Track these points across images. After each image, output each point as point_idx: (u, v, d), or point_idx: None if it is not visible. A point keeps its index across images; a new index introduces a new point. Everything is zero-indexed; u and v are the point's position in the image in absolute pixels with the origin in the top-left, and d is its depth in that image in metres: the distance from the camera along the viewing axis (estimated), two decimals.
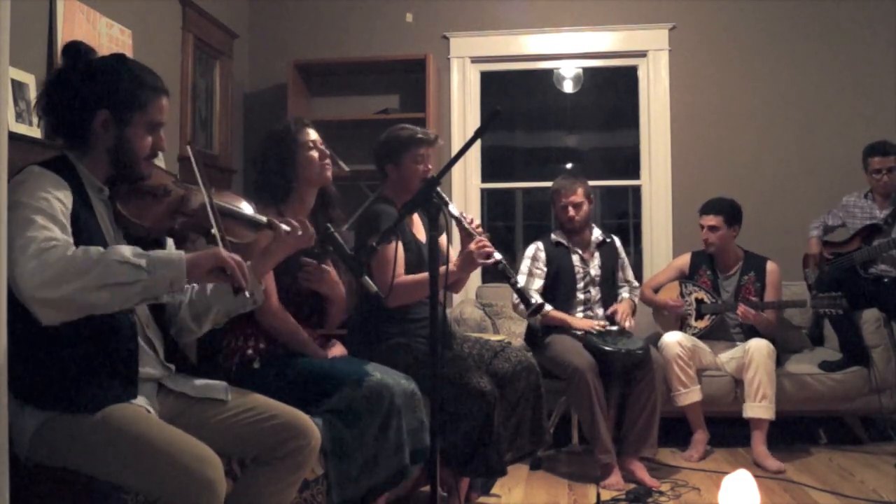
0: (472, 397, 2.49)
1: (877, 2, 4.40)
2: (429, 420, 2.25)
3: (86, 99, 1.68)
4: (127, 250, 1.52)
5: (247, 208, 1.93)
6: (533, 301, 2.50)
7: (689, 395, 3.48)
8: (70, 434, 1.56)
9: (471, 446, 2.52)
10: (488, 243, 2.48)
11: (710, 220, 3.71)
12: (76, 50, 1.74)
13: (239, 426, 1.77)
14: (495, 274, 2.57)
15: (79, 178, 1.69)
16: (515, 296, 3.20)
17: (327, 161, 2.43)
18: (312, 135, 2.43)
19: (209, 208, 1.74)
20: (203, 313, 1.88)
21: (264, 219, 1.92)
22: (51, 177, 1.60)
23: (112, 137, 1.70)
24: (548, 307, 3.38)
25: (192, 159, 1.80)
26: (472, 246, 2.49)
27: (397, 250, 2.46)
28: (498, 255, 2.47)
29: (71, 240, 1.55)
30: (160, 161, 1.82)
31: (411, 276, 2.64)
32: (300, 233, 1.93)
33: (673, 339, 3.51)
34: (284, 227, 1.91)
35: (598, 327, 3.35)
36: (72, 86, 1.69)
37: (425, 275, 2.58)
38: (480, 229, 2.56)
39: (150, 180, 1.78)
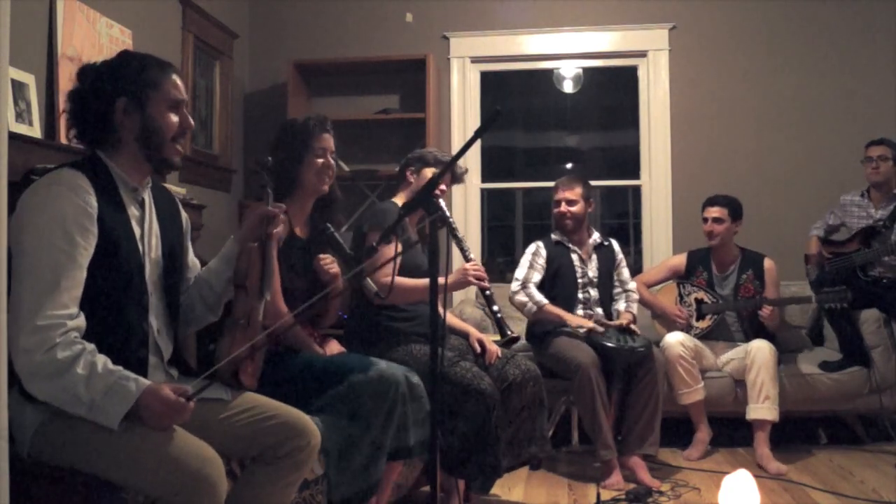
0: (471, 398, 2.49)
1: (877, 2, 4.40)
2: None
3: (102, 95, 1.71)
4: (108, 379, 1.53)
5: None
6: (509, 332, 2.65)
7: (693, 394, 3.49)
8: (72, 431, 1.56)
9: (467, 448, 2.52)
10: (482, 268, 2.65)
11: (716, 211, 3.73)
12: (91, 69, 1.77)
13: (239, 426, 1.77)
14: (496, 275, 2.60)
15: (111, 178, 1.71)
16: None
17: (330, 172, 2.40)
18: (325, 141, 2.39)
19: None
20: (214, 303, 1.95)
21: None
22: (77, 186, 1.60)
23: (136, 122, 1.72)
24: (545, 303, 3.37)
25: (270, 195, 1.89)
26: (469, 266, 2.63)
27: (396, 248, 2.51)
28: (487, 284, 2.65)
29: (79, 297, 1.56)
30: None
31: (412, 280, 2.69)
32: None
33: (675, 340, 3.52)
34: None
35: (593, 325, 3.30)
36: (88, 91, 1.73)
37: (424, 281, 2.67)
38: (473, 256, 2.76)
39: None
